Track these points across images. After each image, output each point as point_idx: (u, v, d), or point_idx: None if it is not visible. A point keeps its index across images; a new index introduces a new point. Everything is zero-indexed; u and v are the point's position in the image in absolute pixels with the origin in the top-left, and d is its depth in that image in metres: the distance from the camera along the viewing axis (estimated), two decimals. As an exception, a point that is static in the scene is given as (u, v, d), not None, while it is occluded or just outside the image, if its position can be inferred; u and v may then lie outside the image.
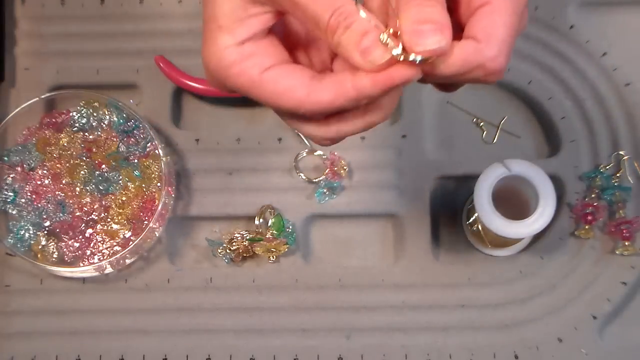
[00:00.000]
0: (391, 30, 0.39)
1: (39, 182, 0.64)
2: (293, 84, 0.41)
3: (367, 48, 0.39)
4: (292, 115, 0.43)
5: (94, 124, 0.65)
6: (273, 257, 0.63)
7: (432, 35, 0.38)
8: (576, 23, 0.67)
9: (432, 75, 0.40)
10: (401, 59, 0.38)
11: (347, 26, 0.39)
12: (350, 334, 0.63)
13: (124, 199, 0.63)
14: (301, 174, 0.65)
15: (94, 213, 0.63)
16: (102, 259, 0.62)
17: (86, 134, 0.65)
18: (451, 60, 0.40)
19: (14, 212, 0.63)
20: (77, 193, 0.63)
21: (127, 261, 0.63)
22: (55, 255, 0.63)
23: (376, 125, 0.44)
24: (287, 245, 0.63)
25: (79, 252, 0.63)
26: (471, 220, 0.64)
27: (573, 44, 0.66)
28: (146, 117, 0.65)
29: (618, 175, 0.64)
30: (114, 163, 0.64)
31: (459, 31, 0.42)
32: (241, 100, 0.68)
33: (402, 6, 0.39)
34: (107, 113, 0.65)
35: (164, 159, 0.63)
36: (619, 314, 0.63)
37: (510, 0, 0.41)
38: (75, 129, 0.65)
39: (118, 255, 0.61)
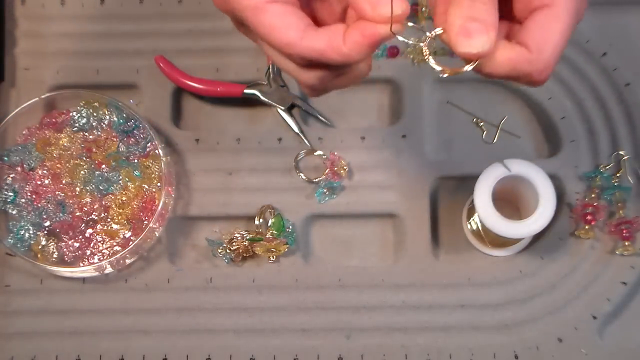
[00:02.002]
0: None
1: (39, 182, 0.64)
2: (291, 24, 0.41)
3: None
4: (281, 54, 0.43)
5: (94, 124, 0.65)
6: (273, 257, 0.63)
7: (479, 35, 0.39)
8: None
9: (477, 70, 0.41)
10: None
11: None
12: (350, 334, 0.63)
13: (124, 199, 0.63)
14: (301, 174, 0.65)
15: (94, 213, 0.63)
16: (102, 259, 0.62)
17: (86, 134, 0.65)
18: (499, 63, 0.40)
19: (14, 212, 0.63)
20: (77, 193, 0.63)
21: (127, 261, 0.63)
22: (55, 255, 0.63)
23: (355, 83, 0.45)
24: (287, 245, 0.63)
25: (79, 252, 0.63)
26: (471, 220, 0.64)
27: (573, 44, 0.66)
28: (146, 117, 0.65)
29: (618, 175, 0.64)
30: (114, 163, 0.64)
31: (510, 19, 0.42)
32: (241, 100, 0.68)
33: None
34: (107, 113, 0.65)
35: (164, 159, 0.63)
36: (619, 314, 0.63)
37: (571, 8, 0.41)
38: (75, 129, 0.65)
39: (118, 255, 0.61)
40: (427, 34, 0.42)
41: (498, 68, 0.41)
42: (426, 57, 0.42)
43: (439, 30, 0.41)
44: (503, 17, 0.42)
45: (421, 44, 0.42)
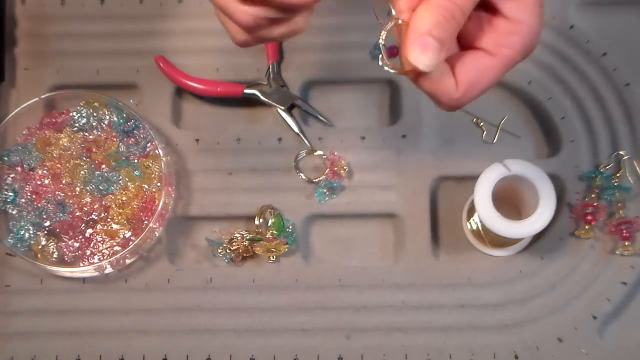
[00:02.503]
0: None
1: (39, 182, 0.64)
2: None
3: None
4: None
5: (94, 124, 0.65)
6: (273, 257, 0.63)
7: (432, 54, 0.41)
8: (576, 23, 0.67)
9: (403, 74, 0.43)
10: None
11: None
12: (350, 334, 0.63)
13: (124, 199, 0.63)
14: (301, 174, 0.65)
15: (94, 213, 0.63)
16: (102, 259, 0.62)
17: (86, 134, 0.65)
18: (426, 84, 0.43)
19: (14, 212, 0.63)
20: (77, 193, 0.63)
21: (127, 261, 0.63)
22: (55, 255, 0.63)
23: (289, 37, 0.45)
24: (287, 245, 0.63)
25: (79, 252, 0.63)
26: (471, 220, 0.64)
27: (573, 44, 0.66)
28: (146, 117, 0.65)
29: (618, 175, 0.64)
30: (114, 163, 0.64)
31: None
32: (241, 100, 0.68)
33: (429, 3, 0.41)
34: (107, 113, 0.65)
35: (164, 159, 0.63)
36: (619, 314, 0.63)
37: (509, 65, 0.44)
38: (75, 129, 0.65)
39: (118, 255, 0.61)
40: (390, 22, 0.43)
41: (422, 85, 0.43)
42: (381, 42, 0.43)
43: (399, 20, 0.42)
44: None
45: (382, 33, 0.43)
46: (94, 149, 0.64)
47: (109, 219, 0.63)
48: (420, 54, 0.41)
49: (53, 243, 0.63)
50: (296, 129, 0.66)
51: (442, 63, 0.43)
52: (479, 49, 0.44)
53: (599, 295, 0.62)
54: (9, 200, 0.63)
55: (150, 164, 0.64)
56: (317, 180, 0.65)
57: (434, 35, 0.40)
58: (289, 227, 0.64)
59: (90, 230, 0.63)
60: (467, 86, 0.43)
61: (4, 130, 0.65)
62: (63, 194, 0.63)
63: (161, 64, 0.66)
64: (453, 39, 0.42)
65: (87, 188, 0.63)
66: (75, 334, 0.63)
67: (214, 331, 0.63)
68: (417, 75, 0.43)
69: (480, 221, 0.60)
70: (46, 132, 0.65)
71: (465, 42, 0.45)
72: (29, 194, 0.63)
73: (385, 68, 0.43)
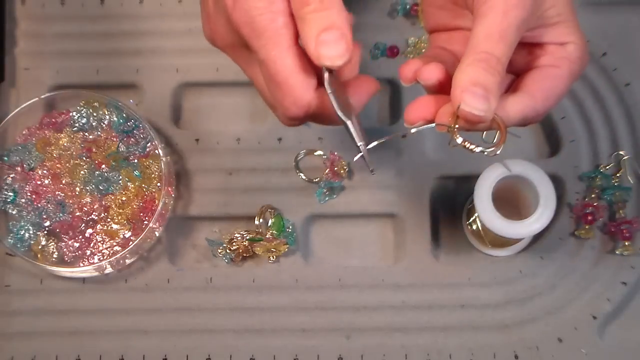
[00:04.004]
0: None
1: (39, 182, 0.64)
2: (308, 84, 0.43)
3: (326, 41, 0.40)
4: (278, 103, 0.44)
5: (94, 124, 0.65)
6: (273, 257, 0.63)
7: (481, 100, 0.42)
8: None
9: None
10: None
11: (321, 8, 0.40)
12: (350, 334, 0.63)
13: (124, 199, 0.63)
14: (301, 174, 0.65)
15: (94, 213, 0.63)
16: (102, 259, 0.62)
17: (86, 134, 0.65)
18: (512, 116, 0.45)
19: (14, 212, 0.63)
20: (77, 193, 0.63)
21: (127, 261, 0.63)
22: (55, 255, 0.63)
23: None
24: (287, 245, 0.63)
25: (79, 252, 0.63)
26: (471, 220, 0.64)
27: (573, 44, 0.66)
28: (146, 117, 0.65)
29: (618, 175, 0.64)
30: (114, 163, 0.64)
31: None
32: (241, 100, 0.68)
33: (466, 60, 0.43)
34: (107, 113, 0.65)
35: (164, 159, 0.63)
36: (619, 314, 0.63)
37: (575, 72, 0.46)
38: (75, 129, 0.65)
39: (118, 255, 0.61)
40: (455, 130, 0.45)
41: (512, 121, 0.45)
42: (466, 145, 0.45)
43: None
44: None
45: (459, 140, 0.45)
46: (94, 149, 0.64)
47: (108, 219, 0.63)
48: (468, 99, 0.42)
49: (53, 243, 0.63)
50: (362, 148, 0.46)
51: (511, 96, 0.45)
52: (541, 66, 0.46)
53: (599, 295, 0.62)
54: (9, 200, 0.63)
55: (150, 164, 0.64)
56: (317, 180, 0.65)
57: (479, 84, 0.42)
58: (289, 227, 0.64)
59: (90, 230, 0.63)
60: (543, 94, 0.45)
61: (4, 130, 0.65)
62: (63, 194, 0.63)
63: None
64: (498, 87, 0.43)
65: (87, 188, 0.63)
66: (75, 334, 0.63)
67: (214, 331, 0.63)
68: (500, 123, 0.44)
69: (480, 221, 0.60)
70: (46, 132, 0.65)
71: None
72: (29, 194, 0.63)
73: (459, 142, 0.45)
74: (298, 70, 0.42)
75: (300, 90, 0.42)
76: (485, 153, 0.44)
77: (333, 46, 0.40)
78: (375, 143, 0.43)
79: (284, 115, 0.44)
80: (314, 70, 0.43)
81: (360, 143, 0.43)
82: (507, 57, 0.43)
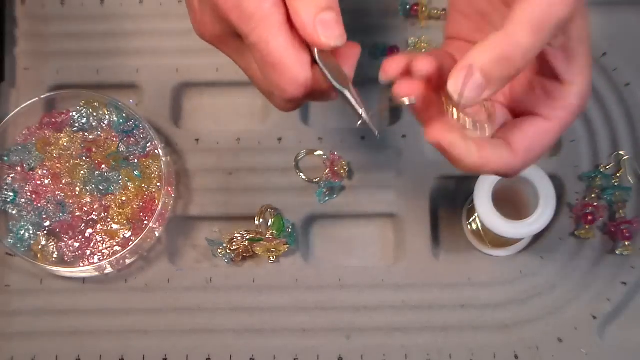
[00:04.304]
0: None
1: (39, 182, 0.64)
2: (303, 62, 0.42)
3: (325, 21, 0.40)
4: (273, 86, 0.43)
5: (94, 124, 0.65)
6: (273, 257, 0.63)
7: (473, 89, 0.40)
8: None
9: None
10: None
11: None
12: (350, 334, 0.63)
13: (124, 199, 0.63)
14: (301, 174, 0.65)
15: (94, 213, 0.63)
16: (102, 259, 0.62)
17: (86, 134, 0.65)
18: (482, 163, 0.43)
19: (14, 212, 0.63)
20: (77, 193, 0.63)
21: (127, 261, 0.63)
22: (55, 255, 0.63)
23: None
24: (287, 245, 0.63)
25: (79, 252, 0.63)
26: (471, 220, 0.64)
27: (573, 44, 0.66)
28: (146, 117, 0.65)
29: (618, 175, 0.64)
30: (114, 163, 0.64)
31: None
32: (241, 100, 0.68)
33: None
34: (107, 113, 0.65)
35: (164, 159, 0.63)
36: (619, 314, 0.63)
37: (565, 127, 0.45)
38: (75, 129, 0.65)
39: (118, 255, 0.61)
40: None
41: (484, 170, 0.43)
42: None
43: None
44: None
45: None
46: (94, 149, 0.64)
47: (108, 219, 0.63)
48: (461, 85, 0.40)
49: (53, 243, 0.63)
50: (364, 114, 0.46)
51: (494, 139, 0.44)
52: (534, 115, 0.45)
53: (599, 295, 0.62)
54: (9, 200, 0.63)
55: (150, 164, 0.64)
56: (317, 180, 0.65)
57: (482, 70, 0.39)
58: (289, 227, 0.64)
59: (90, 230, 0.63)
60: (525, 151, 0.44)
61: (4, 130, 0.65)
62: (63, 194, 0.63)
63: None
64: (502, 83, 0.41)
65: (87, 188, 0.63)
66: (75, 334, 0.63)
67: (214, 331, 0.63)
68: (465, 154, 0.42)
69: (480, 221, 0.60)
70: (46, 132, 0.65)
71: (518, 109, 0.46)
72: (29, 194, 0.63)
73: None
74: (292, 48, 0.41)
75: (297, 68, 0.41)
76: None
77: (333, 26, 0.40)
78: (372, 112, 0.44)
79: (281, 98, 0.43)
80: (306, 47, 0.42)
81: (362, 109, 0.43)
82: (533, 53, 0.40)
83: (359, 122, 0.44)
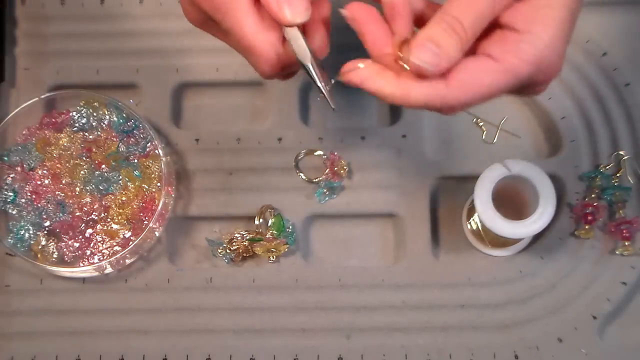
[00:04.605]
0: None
1: (39, 182, 0.64)
2: (272, 41, 0.45)
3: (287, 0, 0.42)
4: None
5: (94, 124, 0.65)
6: (273, 257, 0.63)
7: (427, 54, 0.41)
8: (576, 23, 0.66)
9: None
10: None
11: None
12: (350, 334, 0.63)
13: (124, 199, 0.63)
14: (301, 174, 0.65)
15: (94, 213, 0.63)
16: (102, 259, 0.62)
17: (86, 134, 0.65)
18: (414, 96, 0.43)
19: (14, 212, 0.63)
20: (77, 193, 0.63)
21: (127, 261, 0.63)
22: (55, 255, 0.63)
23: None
24: (287, 245, 0.63)
25: (79, 252, 0.63)
26: (471, 220, 0.64)
27: (573, 44, 0.66)
28: (146, 117, 0.65)
29: (618, 175, 0.64)
30: (114, 163, 0.64)
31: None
32: (241, 100, 0.68)
33: (433, 19, 0.42)
34: (107, 113, 0.65)
35: (164, 159, 0.63)
36: (619, 314, 0.63)
37: (520, 75, 0.43)
38: (75, 129, 0.65)
39: (118, 255, 0.61)
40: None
41: (411, 102, 0.43)
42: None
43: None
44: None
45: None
46: (94, 149, 0.64)
47: (108, 219, 0.63)
48: (418, 52, 0.41)
49: (53, 243, 0.63)
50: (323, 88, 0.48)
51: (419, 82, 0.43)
52: (484, 54, 0.43)
53: (599, 295, 0.62)
54: (9, 200, 0.63)
55: (150, 164, 0.64)
56: (317, 180, 0.65)
57: (434, 41, 0.41)
58: (289, 227, 0.64)
59: (90, 230, 0.63)
60: (459, 85, 0.42)
61: (4, 130, 0.65)
62: (63, 194, 0.63)
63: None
64: (456, 51, 0.42)
65: (87, 188, 0.63)
66: (75, 334, 0.63)
67: (214, 331, 0.63)
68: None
69: (480, 221, 0.60)
70: (46, 132, 0.65)
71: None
72: (29, 194, 0.63)
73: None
74: (262, 31, 0.44)
75: (268, 50, 0.44)
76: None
77: (296, 3, 0.42)
78: (332, 83, 0.46)
79: (262, 74, 0.46)
80: (277, 24, 0.44)
81: (322, 84, 0.45)
82: (474, 28, 0.42)
83: (319, 96, 0.46)
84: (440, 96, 0.42)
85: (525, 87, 0.44)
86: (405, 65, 0.42)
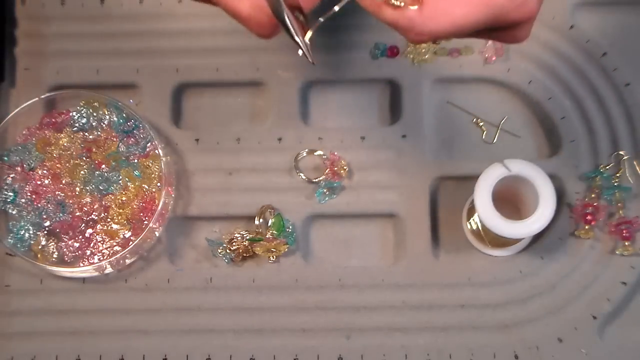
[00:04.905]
0: None
1: (39, 182, 0.64)
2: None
3: None
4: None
5: (94, 124, 0.65)
6: (273, 257, 0.63)
7: None
8: (576, 23, 0.67)
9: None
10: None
11: None
12: (350, 334, 0.63)
13: (124, 199, 0.63)
14: (301, 174, 0.65)
15: (94, 213, 0.63)
16: (102, 259, 0.62)
17: (86, 134, 0.65)
18: (388, 11, 0.42)
19: (14, 212, 0.63)
20: (77, 193, 0.63)
21: (127, 261, 0.63)
22: (55, 255, 0.63)
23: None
24: (287, 245, 0.63)
25: (79, 252, 0.63)
26: (471, 220, 0.64)
27: (573, 44, 0.66)
28: (146, 117, 0.65)
29: (618, 175, 0.64)
30: (114, 163, 0.64)
31: None
32: (241, 100, 0.68)
33: None
34: (107, 113, 0.65)
35: (164, 159, 0.63)
36: (619, 314, 0.63)
37: (488, 11, 0.42)
38: (75, 129, 0.65)
39: (118, 255, 0.61)
40: None
41: (380, 18, 0.43)
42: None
43: None
44: None
45: None
46: (94, 149, 0.64)
47: (108, 219, 0.63)
48: None
49: (53, 243, 0.63)
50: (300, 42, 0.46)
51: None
52: None
53: (599, 295, 0.62)
54: (9, 200, 0.63)
55: (150, 164, 0.64)
56: (317, 180, 0.65)
57: None
58: (289, 227, 0.64)
59: (90, 230, 0.63)
60: (432, 10, 0.41)
61: (4, 130, 0.65)
62: (63, 194, 0.63)
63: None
64: None
65: (87, 188, 0.63)
66: (75, 334, 0.63)
67: (214, 331, 0.63)
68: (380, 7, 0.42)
69: (480, 221, 0.60)
70: (46, 132, 0.65)
71: None
72: (29, 194, 0.63)
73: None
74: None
75: (254, 13, 0.44)
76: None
77: None
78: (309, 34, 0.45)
79: (258, 36, 0.46)
80: None
81: (299, 38, 0.45)
82: None
83: (299, 51, 0.45)
84: (408, 20, 0.42)
85: (502, 28, 0.44)
86: None
